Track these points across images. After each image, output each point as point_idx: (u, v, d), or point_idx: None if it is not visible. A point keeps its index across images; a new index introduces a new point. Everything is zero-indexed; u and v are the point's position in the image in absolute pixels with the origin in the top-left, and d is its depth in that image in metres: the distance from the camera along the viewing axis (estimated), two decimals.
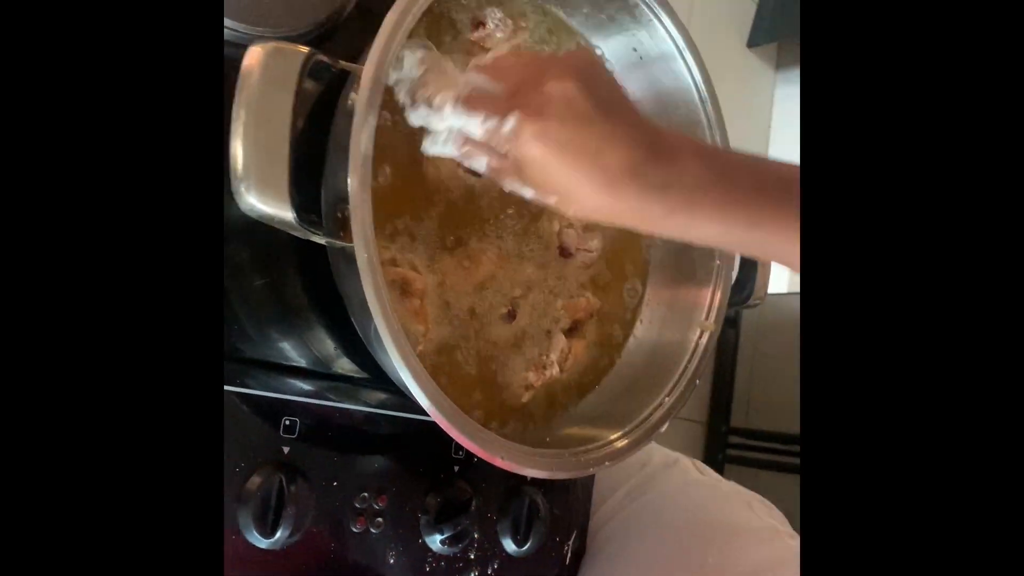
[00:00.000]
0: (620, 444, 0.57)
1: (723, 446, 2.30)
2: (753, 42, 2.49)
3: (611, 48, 0.66)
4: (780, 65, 2.66)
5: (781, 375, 2.19)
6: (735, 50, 2.49)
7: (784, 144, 2.58)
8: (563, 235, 0.64)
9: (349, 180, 0.44)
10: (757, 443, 2.20)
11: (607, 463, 0.57)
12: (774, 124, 2.63)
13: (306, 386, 0.56)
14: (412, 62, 0.48)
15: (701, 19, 2.27)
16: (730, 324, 2.34)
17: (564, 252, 0.64)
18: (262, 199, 0.42)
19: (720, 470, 2.28)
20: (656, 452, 0.90)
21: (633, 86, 0.67)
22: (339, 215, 0.47)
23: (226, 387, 0.52)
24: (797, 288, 2.39)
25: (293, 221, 0.44)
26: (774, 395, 2.20)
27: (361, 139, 0.44)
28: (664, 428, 0.60)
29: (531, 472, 0.53)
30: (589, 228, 0.65)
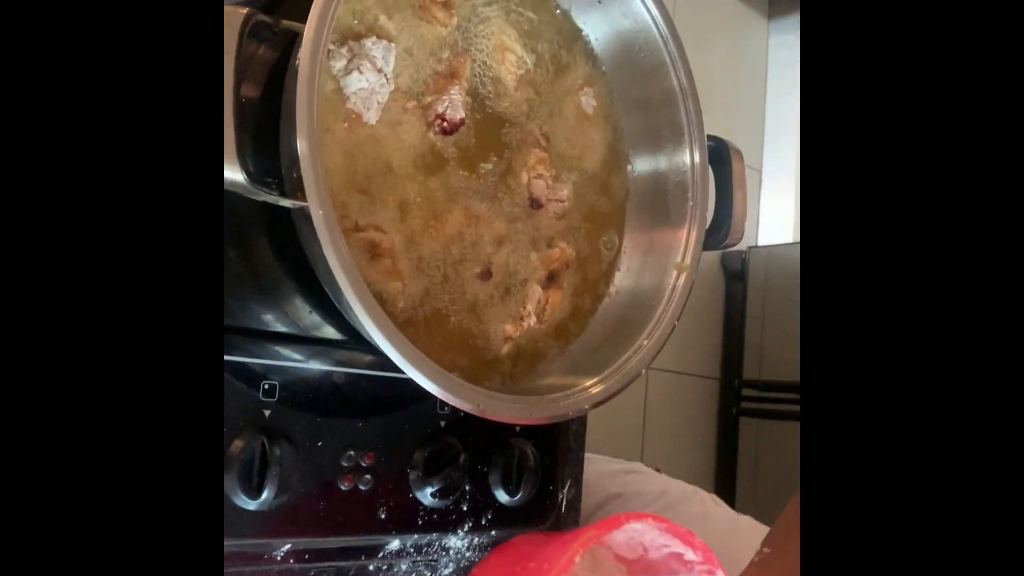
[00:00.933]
0: (596, 390, 0.57)
1: (737, 399, 2.31)
2: None
3: None
4: (772, 14, 2.63)
5: (791, 325, 2.18)
6: (725, 2, 2.46)
7: (781, 95, 2.55)
8: (532, 186, 0.64)
9: (297, 141, 0.45)
10: (770, 395, 2.21)
11: (586, 407, 0.58)
12: (770, 75, 2.60)
13: (286, 351, 0.57)
14: None
15: None
16: (737, 278, 2.33)
17: (535, 204, 0.64)
18: None
19: (735, 424, 2.30)
20: (673, 484, 0.93)
21: (593, 30, 0.67)
22: (295, 175, 0.47)
23: None
24: None
25: (245, 182, 0.44)
26: (785, 346, 2.20)
27: (305, 97, 0.45)
28: (643, 372, 0.60)
29: (509, 419, 0.54)
30: (559, 178, 0.65)
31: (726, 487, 2.21)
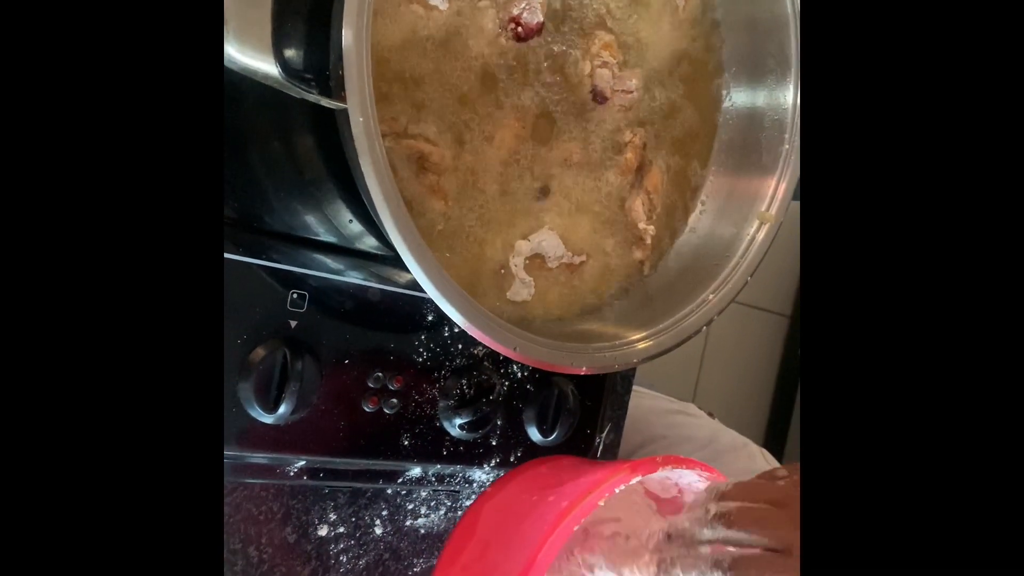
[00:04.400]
0: (645, 345, 0.52)
1: None
2: None
3: None
4: None
5: None
6: None
7: None
8: (596, 76, 0.55)
9: (344, 32, 0.39)
10: None
11: (634, 360, 0.53)
12: None
13: (317, 259, 0.53)
14: None
15: None
16: None
17: (598, 96, 0.56)
18: (241, 49, 0.38)
19: (799, 365, 2.22)
20: (724, 432, 0.87)
21: (724, 10, 0.59)
22: (340, 73, 0.42)
23: (229, 255, 0.49)
24: None
25: (279, 76, 0.39)
26: None
27: None
28: (703, 330, 0.55)
29: (547, 366, 0.49)
30: (627, 64, 0.57)
31: (778, 429, 2.15)
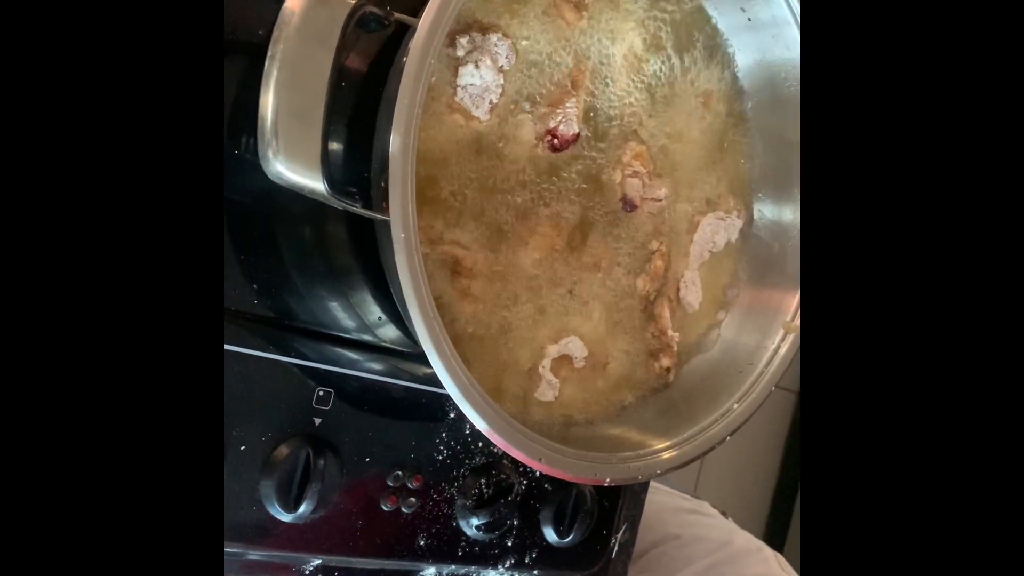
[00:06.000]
0: (669, 455, 0.52)
1: None
2: None
3: (719, 7, 0.58)
4: None
5: None
6: None
7: None
8: (626, 185, 0.56)
9: (391, 139, 0.40)
10: None
11: (658, 472, 0.52)
12: None
13: (345, 355, 0.53)
14: None
15: None
16: None
17: (628, 205, 0.57)
18: (291, 167, 0.39)
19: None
20: (738, 535, 0.87)
21: (740, 53, 0.60)
22: (383, 184, 0.42)
23: (258, 353, 0.49)
24: None
25: (325, 192, 0.40)
26: None
27: (408, 95, 0.40)
28: (726, 440, 0.55)
29: (571, 477, 0.49)
30: (657, 173, 0.58)
31: (782, 511, 2.12)
